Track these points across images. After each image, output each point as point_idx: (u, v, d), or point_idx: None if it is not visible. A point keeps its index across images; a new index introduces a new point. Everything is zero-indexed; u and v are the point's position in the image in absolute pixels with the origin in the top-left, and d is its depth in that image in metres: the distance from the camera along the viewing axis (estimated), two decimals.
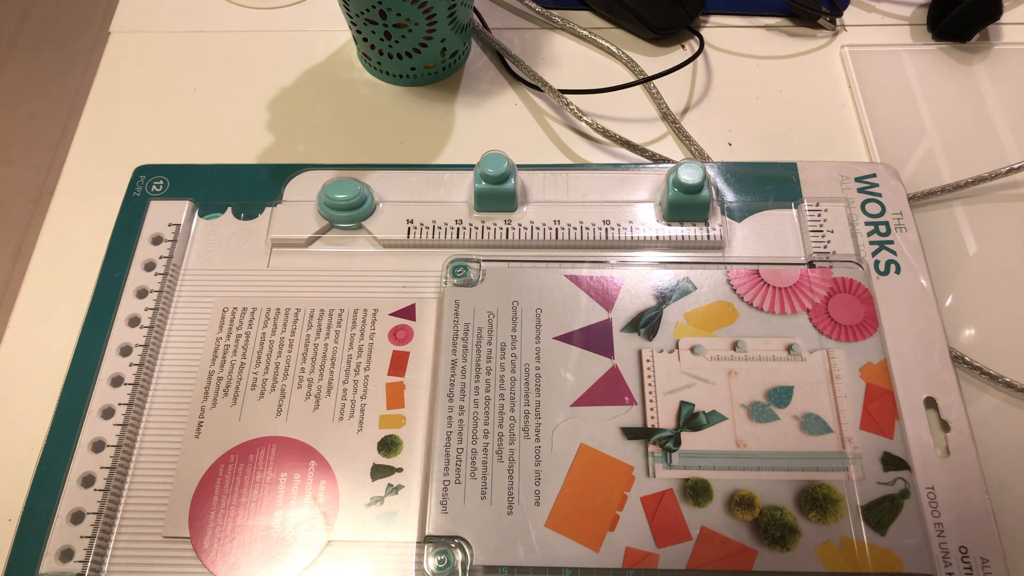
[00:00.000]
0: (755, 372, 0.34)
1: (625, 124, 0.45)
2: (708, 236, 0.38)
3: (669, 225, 0.39)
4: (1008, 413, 0.36)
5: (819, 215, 0.39)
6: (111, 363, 0.36)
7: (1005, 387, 0.36)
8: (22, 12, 1.12)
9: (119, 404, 0.35)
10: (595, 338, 0.35)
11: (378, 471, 0.33)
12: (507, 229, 0.39)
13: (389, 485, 0.33)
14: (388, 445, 0.34)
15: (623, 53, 0.48)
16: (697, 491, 0.32)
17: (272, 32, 0.50)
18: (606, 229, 0.39)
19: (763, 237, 0.39)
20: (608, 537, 0.31)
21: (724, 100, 0.46)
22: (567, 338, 0.36)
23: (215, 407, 0.35)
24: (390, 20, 0.42)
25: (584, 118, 0.44)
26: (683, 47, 0.49)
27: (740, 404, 0.34)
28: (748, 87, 0.47)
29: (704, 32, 0.49)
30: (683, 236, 0.38)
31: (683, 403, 0.34)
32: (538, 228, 0.39)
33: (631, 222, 0.39)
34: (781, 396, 0.34)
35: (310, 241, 0.39)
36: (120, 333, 0.36)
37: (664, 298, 0.37)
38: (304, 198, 0.40)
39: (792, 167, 0.41)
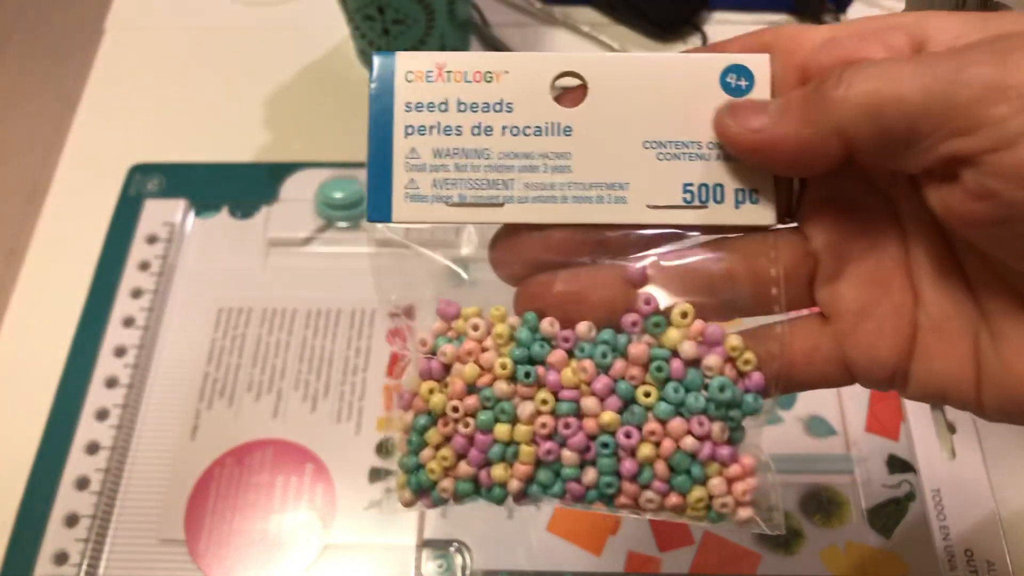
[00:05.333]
0: None
1: None
2: None
3: None
4: None
5: None
6: (106, 364, 0.35)
7: None
8: (16, 9, 1.11)
9: (114, 406, 0.34)
10: None
11: (376, 474, 0.33)
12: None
13: (388, 488, 0.32)
14: (386, 447, 0.33)
15: (625, 50, 0.47)
16: None
17: (269, 29, 0.49)
18: None
19: None
20: (610, 541, 0.31)
21: None
22: None
23: (211, 409, 0.34)
24: (388, 16, 0.41)
25: None
26: (685, 43, 0.48)
27: None
28: None
29: (707, 28, 0.49)
30: None
31: None
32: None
33: None
34: (785, 398, 0.34)
35: (307, 241, 0.39)
36: (115, 334, 0.36)
37: None
38: (301, 197, 0.40)
39: None
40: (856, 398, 0.33)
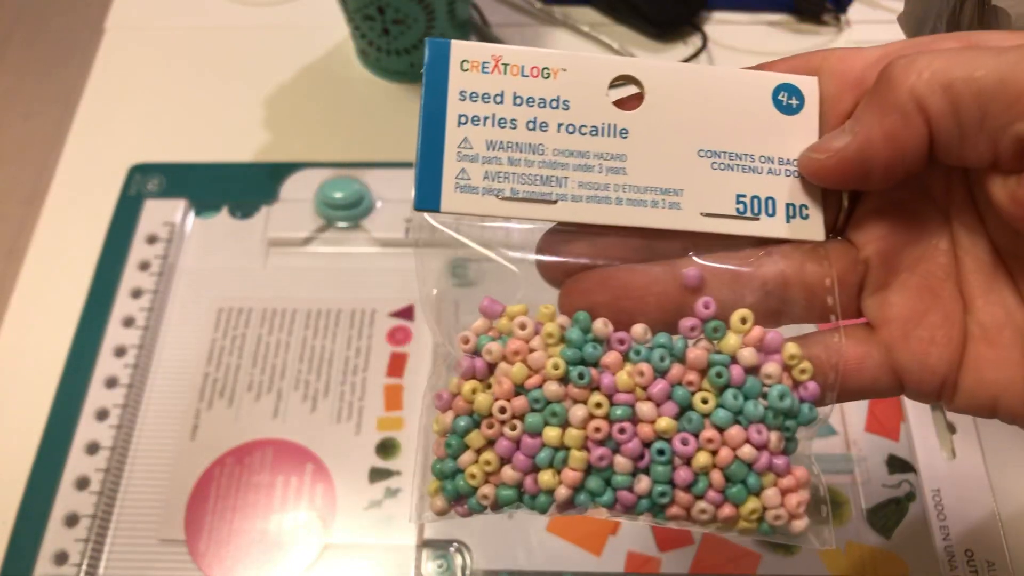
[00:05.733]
0: None
1: None
2: None
3: None
4: None
5: None
6: (106, 364, 0.35)
7: None
8: (16, 9, 1.11)
9: (114, 406, 0.34)
10: None
11: (376, 474, 0.33)
12: (507, 228, 0.38)
13: (388, 488, 0.32)
14: (386, 448, 0.33)
15: (625, 50, 0.47)
16: None
17: (269, 28, 0.49)
18: None
19: None
20: (610, 541, 0.31)
21: None
22: None
23: (211, 409, 0.34)
24: (388, 16, 0.41)
25: None
26: (686, 44, 0.48)
27: None
28: None
29: (707, 28, 0.49)
30: None
31: None
32: (539, 227, 0.38)
33: None
34: None
35: (307, 240, 0.39)
36: (115, 334, 0.36)
37: None
38: (301, 197, 0.40)
39: None
40: None
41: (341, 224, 0.39)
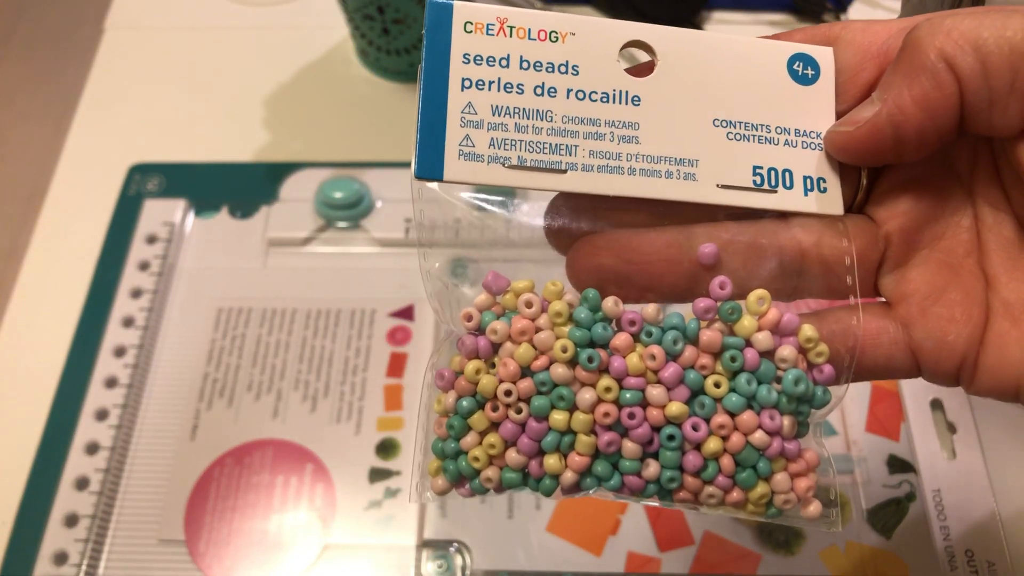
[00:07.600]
0: None
1: None
2: None
3: None
4: (1014, 415, 0.35)
5: None
6: (105, 364, 0.35)
7: None
8: (16, 9, 1.11)
9: (113, 406, 0.34)
10: None
11: (376, 474, 0.33)
12: (507, 229, 0.38)
13: (387, 488, 0.32)
14: (386, 448, 0.33)
15: None
16: None
17: (269, 29, 0.49)
18: None
19: None
20: (610, 541, 0.31)
21: None
22: None
23: (210, 409, 0.34)
24: (388, 16, 0.41)
25: None
26: None
27: None
28: None
29: (707, 28, 0.49)
30: None
31: None
32: (539, 227, 0.38)
33: None
34: None
35: (307, 240, 0.39)
36: (114, 334, 0.36)
37: None
38: (301, 197, 0.40)
39: None
40: (856, 398, 0.33)
41: (341, 224, 0.39)
